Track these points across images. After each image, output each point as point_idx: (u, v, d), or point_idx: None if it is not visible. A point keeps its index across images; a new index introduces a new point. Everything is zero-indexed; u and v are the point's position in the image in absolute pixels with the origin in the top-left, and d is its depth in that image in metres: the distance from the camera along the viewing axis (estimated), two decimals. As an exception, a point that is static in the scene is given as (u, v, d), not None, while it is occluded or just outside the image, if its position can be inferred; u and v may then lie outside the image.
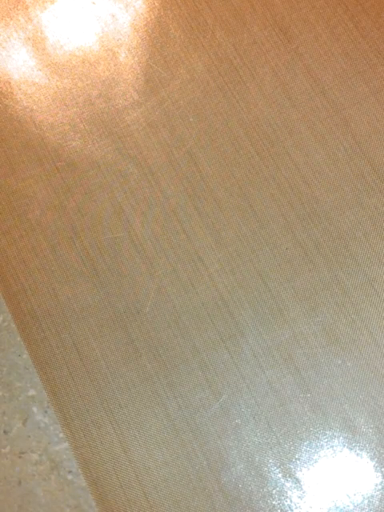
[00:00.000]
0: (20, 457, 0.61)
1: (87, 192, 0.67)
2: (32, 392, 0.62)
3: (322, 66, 0.66)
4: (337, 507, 0.55)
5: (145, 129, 0.68)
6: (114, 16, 0.72)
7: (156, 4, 0.71)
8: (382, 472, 0.55)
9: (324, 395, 0.57)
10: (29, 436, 0.61)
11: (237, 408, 0.58)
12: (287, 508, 0.55)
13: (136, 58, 0.70)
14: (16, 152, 0.69)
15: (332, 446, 0.56)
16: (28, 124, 0.70)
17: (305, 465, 0.56)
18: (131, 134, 0.68)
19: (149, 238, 0.64)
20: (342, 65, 0.66)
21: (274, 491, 0.56)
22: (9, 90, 0.71)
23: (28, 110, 0.70)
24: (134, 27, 0.71)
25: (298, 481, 0.56)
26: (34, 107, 0.70)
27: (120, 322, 0.62)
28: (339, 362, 0.58)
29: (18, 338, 0.63)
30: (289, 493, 0.56)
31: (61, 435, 0.60)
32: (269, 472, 0.56)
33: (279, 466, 0.56)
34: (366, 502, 0.55)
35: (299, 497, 0.56)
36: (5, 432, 0.61)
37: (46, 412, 0.61)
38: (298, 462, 0.56)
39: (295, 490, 0.56)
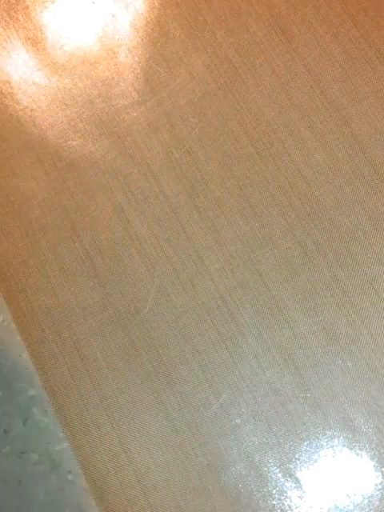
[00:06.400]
0: (20, 457, 0.61)
1: (87, 192, 0.67)
2: (32, 392, 0.62)
3: (321, 65, 0.66)
4: (337, 507, 0.55)
5: (145, 128, 0.68)
6: (114, 16, 0.72)
7: (156, 4, 0.71)
8: (381, 472, 0.55)
9: (324, 395, 0.57)
10: (29, 436, 0.61)
11: (237, 408, 0.58)
12: (287, 508, 0.55)
13: (136, 58, 0.70)
14: (16, 152, 0.69)
15: (332, 446, 0.56)
16: (28, 124, 0.70)
17: (305, 465, 0.56)
18: (131, 133, 0.68)
19: (149, 238, 0.64)
20: (342, 65, 0.66)
21: (274, 491, 0.56)
22: (9, 89, 0.71)
23: (28, 109, 0.70)
24: (134, 27, 0.71)
25: (298, 481, 0.56)
26: (34, 107, 0.70)
27: (120, 322, 0.62)
28: (339, 361, 0.58)
29: (18, 338, 0.63)
30: (289, 493, 0.56)
31: (61, 435, 0.60)
32: (269, 472, 0.56)
33: (279, 466, 0.56)
34: (365, 501, 0.55)
35: (299, 497, 0.56)
36: (5, 432, 0.61)
37: (46, 412, 0.61)
38: (297, 461, 0.56)
39: (295, 489, 0.56)
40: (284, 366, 0.59)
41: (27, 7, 0.74)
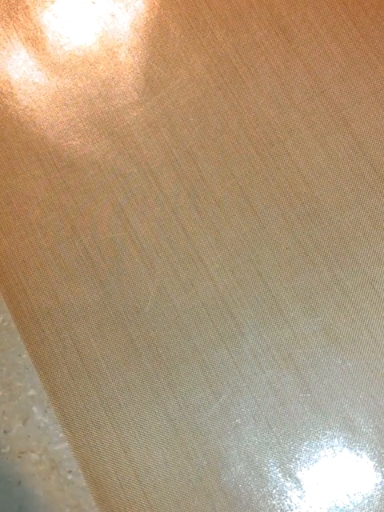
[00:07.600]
0: (20, 457, 0.61)
1: (87, 192, 0.67)
2: (32, 392, 0.62)
3: (322, 66, 0.66)
4: (337, 507, 0.55)
5: (145, 128, 0.68)
6: (113, 16, 0.72)
7: (156, 4, 0.71)
8: (382, 472, 0.55)
9: (324, 395, 0.57)
10: (29, 436, 0.61)
11: (237, 408, 0.58)
12: (287, 508, 0.55)
13: (136, 58, 0.70)
14: (16, 152, 0.69)
15: (332, 446, 0.56)
16: (28, 124, 0.70)
17: (305, 465, 0.56)
18: (131, 133, 0.68)
19: (149, 238, 0.64)
20: (342, 65, 0.66)
21: (274, 491, 0.56)
22: (9, 89, 0.71)
23: (28, 109, 0.70)
24: (133, 27, 0.71)
25: (298, 481, 0.56)
26: (34, 107, 0.70)
27: (120, 322, 0.62)
28: (339, 361, 0.58)
29: (18, 338, 0.63)
30: (289, 493, 0.56)
31: (61, 435, 0.60)
32: (269, 472, 0.56)
33: (279, 466, 0.56)
34: (365, 501, 0.55)
35: (299, 497, 0.56)
36: (5, 432, 0.61)
37: (45, 412, 0.61)
38: (297, 461, 0.56)
39: (295, 489, 0.56)
40: (284, 366, 0.59)
41: (27, 7, 0.74)
